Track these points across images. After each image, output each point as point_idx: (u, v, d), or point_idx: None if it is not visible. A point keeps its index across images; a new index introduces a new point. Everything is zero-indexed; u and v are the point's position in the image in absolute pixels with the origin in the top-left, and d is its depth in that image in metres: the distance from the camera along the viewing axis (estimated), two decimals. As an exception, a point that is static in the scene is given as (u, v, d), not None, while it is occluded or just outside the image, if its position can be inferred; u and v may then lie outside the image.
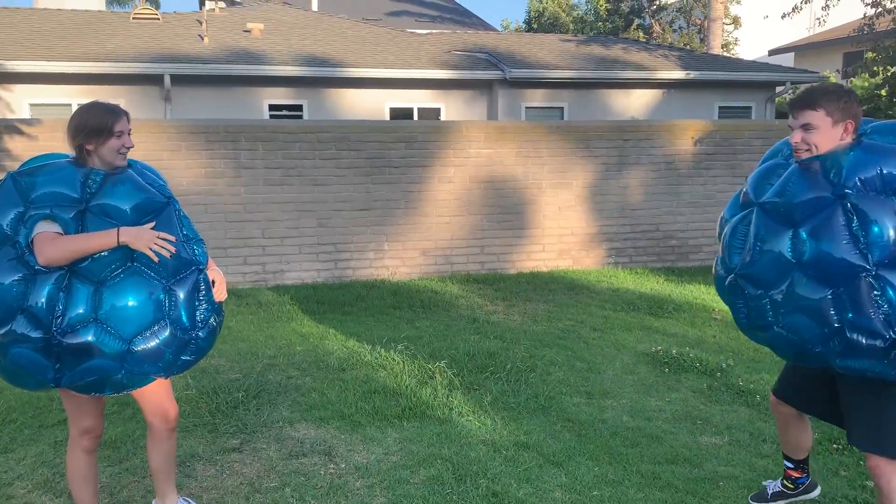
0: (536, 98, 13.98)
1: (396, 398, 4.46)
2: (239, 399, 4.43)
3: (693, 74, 14.18)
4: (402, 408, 4.31)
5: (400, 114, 13.56)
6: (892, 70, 10.33)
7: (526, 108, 13.81)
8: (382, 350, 5.37)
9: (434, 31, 19.41)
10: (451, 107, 13.84)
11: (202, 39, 13.79)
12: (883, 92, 11.12)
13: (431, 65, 13.62)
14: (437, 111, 13.77)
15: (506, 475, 3.51)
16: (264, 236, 8.22)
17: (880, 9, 10.13)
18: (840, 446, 3.79)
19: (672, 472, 3.52)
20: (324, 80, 13.04)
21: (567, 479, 3.48)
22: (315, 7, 23.73)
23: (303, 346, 5.63)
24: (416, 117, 13.57)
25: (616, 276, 8.56)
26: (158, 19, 15.23)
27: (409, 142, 8.63)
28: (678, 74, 14.20)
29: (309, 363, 5.19)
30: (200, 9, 18.94)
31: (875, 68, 10.27)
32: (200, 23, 14.76)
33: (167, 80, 12.16)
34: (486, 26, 24.85)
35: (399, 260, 8.62)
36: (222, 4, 17.70)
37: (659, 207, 9.42)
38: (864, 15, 10.54)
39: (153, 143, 7.87)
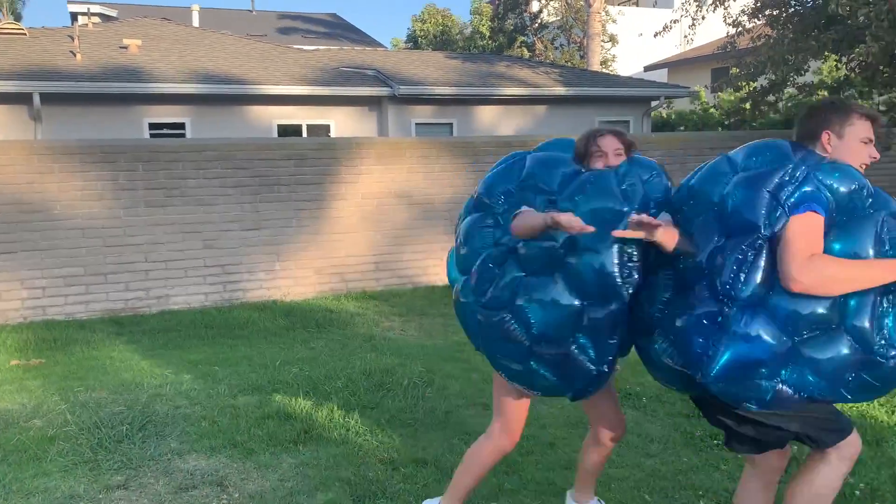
0: (425, 114, 14.11)
1: (291, 422, 4.36)
2: (123, 433, 4.21)
3: (574, 90, 14.71)
4: (297, 431, 4.22)
5: (289, 131, 13.36)
6: (754, 85, 11.06)
7: (416, 123, 13.92)
8: (276, 373, 5.25)
9: (322, 47, 19.28)
10: (340, 123, 13.77)
11: (75, 56, 13.12)
12: (747, 105, 11.88)
13: (320, 81, 13.51)
14: (326, 128, 13.67)
15: (405, 493, 3.49)
16: (147, 260, 7.88)
17: (741, 28, 10.84)
18: (720, 441, 3.99)
19: (566, 478, 3.60)
20: (208, 98, 12.68)
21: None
22: (196, 23, 23.08)
23: (191, 374, 5.42)
24: (305, 134, 13.41)
25: (509, 288, 8.72)
26: (25, 34, 14.38)
27: (299, 159, 8.52)
28: (560, 90, 14.70)
29: (198, 391, 5.00)
30: (72, 24, 18.03)
31: (739, 83, 10.97)
32: (73, 38, 14.04)
33: (36, 98, 11.49)
34: (374, 43, 24.92)
35: (292, 280, 8.46)
36: (96, 19, 16.93)
37: (547, 219, 9.68)
38: (727, 34, 11.26)
39: (22, 166, 7.41)
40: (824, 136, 2.47)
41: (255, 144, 8.47)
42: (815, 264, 2.14)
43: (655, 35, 11.79)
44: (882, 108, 12.39)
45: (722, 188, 2.36)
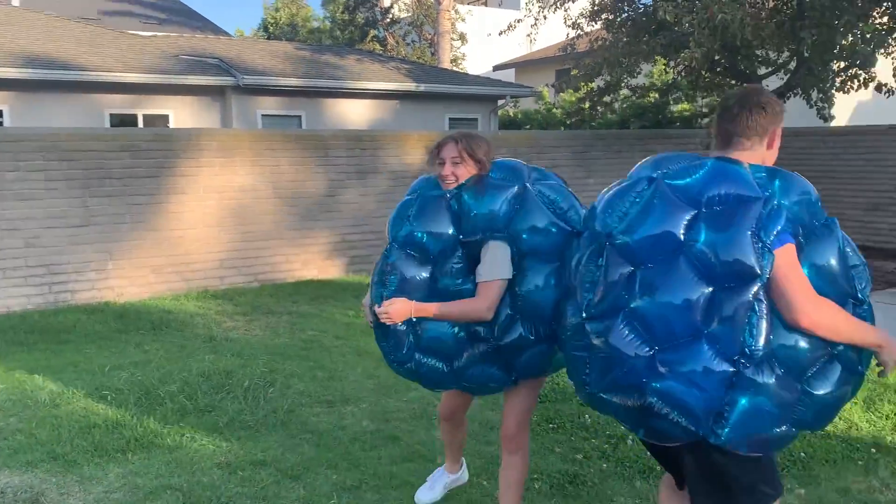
0: (272, 106, 13.73)
1: (120, 430, 4.09)
2: (-80, 453, 3.78)
3: (424, 87, 14.85)
4: (126, 440, 3.96)
5: (124, 121, 12.57)
6: (592, 86, 11.62)
7: (262, 115, 13.51)
8: (105, 379, 4.91)
9: (160, 33, 18.28)
10: (180, 114, 13.12)
11: None
12: (586, 105, 12.47)
13: (157, 69, 12.80)
14: (165, 118, 12.97)
15: (241, 496, 3.37)
16: (-43, 261, 7.14)
17: (580, 31, 11.35)
18: (555, 425, 4.16)
19: (408, 470, 3.62)
20: (29, 84, 11.67)
21: (305, 491, 3.43)
22: (16, 2, 21.18)
23: (7, 384, 4.96)
24: (141, 125, 12.66)
25: (360, 283, 8.67)
26: None
27: (134, 151, 8.02)
28: (411, 86, 14.78)
29: (14, 402, 4.59)
30: None
31: (579, 84, 11.48)
32: None
33: None
34: (217, 31, 23.94)
35: (126, 280, 7.96)
36: None
37: (397, 214, 9.70)
38: (567, 35, 11.76)
39: None
40: (774, 136, 2.24)
41: (82, 135, 7.88)
42: (828, 304, 2.02)
43: (500, 34, 12.12)
44: (705, 109, 13.44)
45: (681, 227, 2.04)
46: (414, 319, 2.67)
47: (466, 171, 2.72)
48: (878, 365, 2.12)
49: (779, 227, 2.00)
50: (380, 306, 2.67)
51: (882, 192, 11.30)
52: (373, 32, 24.45)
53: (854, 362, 2.11)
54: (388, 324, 2.68)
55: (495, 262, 2.59)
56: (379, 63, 16.57)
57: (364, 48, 22.68)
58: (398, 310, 2.63)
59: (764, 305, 1.98)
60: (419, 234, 2.70)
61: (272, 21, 26.35)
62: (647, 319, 2.02)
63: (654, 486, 3.42)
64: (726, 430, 2.00)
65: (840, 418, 4.14)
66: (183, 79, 12.72)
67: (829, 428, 4.01)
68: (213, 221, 8.48)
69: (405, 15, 25.48)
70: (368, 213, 9.47)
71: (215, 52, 14.88)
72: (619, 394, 2.10)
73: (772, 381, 1.99)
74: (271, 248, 8.86)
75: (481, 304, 2.59)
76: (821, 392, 2.06)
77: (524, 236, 2.61)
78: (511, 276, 2.61)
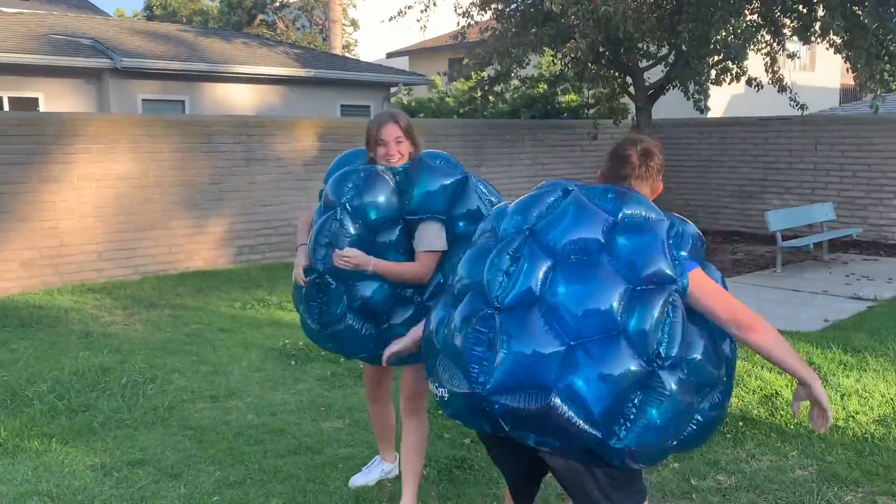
0: (154, 90, 13.13)
1: (-19, 435, 3.81)
2: None
3: (314, 73, 14.58)
4: (-12, 445, 3.70)
5: (-13, 104, 11.71)
6: (483, 74, 11.74)
7: (143, 99, 12.90)
8: (-36, 381, 4.56)
9: (27, 10, 17.09)
10: (51, 97, 12.33)
11: None
12: (477, 94, 12.58)
13: (24, 49, 11.97)
14: (34, 101, 12.17)
15: (116, 499, 3.21)
16: None
17: (470, 20, 11.43)
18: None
19: (294, 463, 3.55)
20: None
21: (186, 489, 3.30)
22: None
23: None
24: (6, 107, 11.82)
25: (248, 274, 8.44)
26: None
27: (-4, 136, 7.48)
28: (300, 72, 14.49)
29: None
30: None
31: (470, 73, 11.56)
32: None
33: None
34: (93, 10, 22.63)
35: (-9, 273, 7.43)
36: None
37: (289, 203, 9.51)
38: (458, 25, 11.81)
39: None
40: (659, 186, 2.40)
41: (-63, 117, 7.28)
42: (763, 320, 2.10)
43: (390, 19, 12.02)
44: (591, 100, 13.84)
45: (601, 229, 2.07)
46: (349, 281, 2.82)
47: (407, 151, 2.91)
48: (795, 399, 2.20)
49: (685, 252, 2.08)
50: (335, 252, 2.77)
51: (753, 180, 12.01)
52: (261, 16, 23.77)
53: (729, 391, 2.22)
54: (326, 281, 2.82)
55: (435, 235, 2.81)
56: (268, 47, 16.14)
57: (252, 32, 22.03)
58: (359, 256, 2.74)
59: (679, 313, 2.00)
60: (366, 204, 2.81)
61: (158, 3, 25.16)
62: (564, 314, 1.97)
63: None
64: (630, 434, 1.96)
65: (711, 394, 4.38)
66: (53, 59, 11.95)
67: (701, 403, 4.24)
68: (90, 211, 8.04)
69: (295, -1, 24.94)
70: (257, 201, 9.23)
71: (90, 32, 14.07)
72: (521, 394, 1.95)
73: (679, 390, 1.99)
74: (153, 239, 8.49)
75: (423, 269, 2.82)
76: (708, 411, 2.12)
77: (460, 223, 2.82)
78: (445, 249, 2.83)
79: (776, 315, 6.48)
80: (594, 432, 1.95)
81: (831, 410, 2.17)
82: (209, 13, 23.83)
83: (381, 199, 2.81)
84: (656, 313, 1.98)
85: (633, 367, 1.95)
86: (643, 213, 2.10)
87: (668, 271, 2.02)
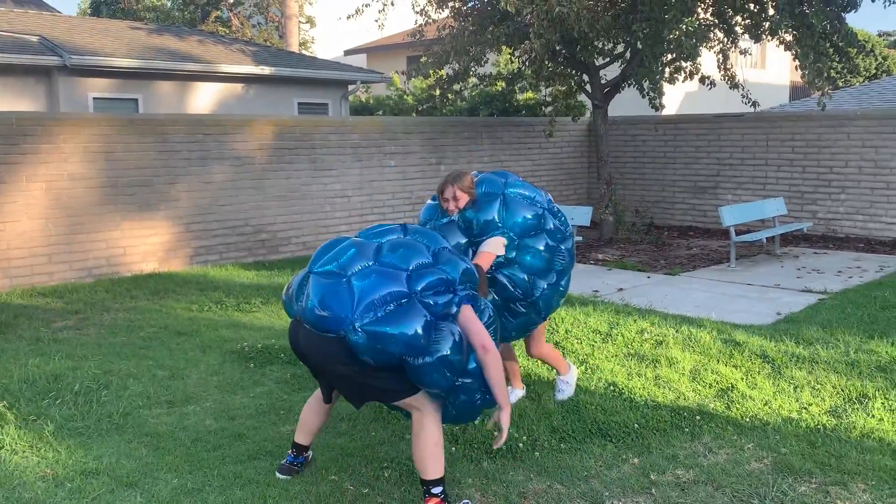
0: (105, 88, 12.83)
1: (-74, 447, 3.68)
2: None
3: (271, 70, 14.41)
4: (-67, 458, 3.57)
5: (-70, 103, 11.31)
6: (441, 73, 11.73)
7: (94, 98, 12.60)
8: None
9: (-28, 6, 16.57)
10: (-1, 96, 11.98)
11: None
12: (436, 92, 12.57)
13: (-31, 46, 11.60)
14: (-21, 101, 11.81)
15: (69, 511, 3.13)
16: None
17: (428, 18, 11.41)
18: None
19: (254, 468, 3.50)
20: None
21: (142, 498, 3.23)
22: None
23: None
24: (-48, 107, 11.45)
25: (205, 275, 8.31)
26: None
27: (-61, 137, 7.23)
28: (257, 70, 14.30)
29: None
30: None
31: (428, 71, 11.55)
32: None
33: None
34: (40, 6, 22.03)
35: (-64, 279, 7.19)
36: None
37: (246, 202, 9.39)
38: (416, 23, 11.78)
39: None
40: None
41: None
42: (496, 351, 3.06)
43: (348, 17, 11.94)
44: (548, 98, 13.93)
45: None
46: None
47: (463, 200, 3.80)
48: (490, 419, 3.09)
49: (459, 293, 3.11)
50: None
51: (708, 176, 12.23)
52: (216, 13, 23.39)
53: (476, 392, 3.09)
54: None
55: (494, 244, 3.72)
56: (223, 45, 15.90)
57: (207, 29, 21.68)
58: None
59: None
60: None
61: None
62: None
63: (500, 466, 3.52)
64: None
65: (669, 389, 4.45)
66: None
67: (659, 398, 4.30)
68: (40, 213, 7.83)
69: (250, -4, 24.59)
70: (213, 201, 9.09)
71: (38, 29, 13.69)
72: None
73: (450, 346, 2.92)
74: (107, 241, 8.30)
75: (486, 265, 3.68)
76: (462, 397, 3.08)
77: (516, 227, 3.78)
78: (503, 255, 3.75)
79: (731, 309, 6.62)
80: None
81: (505, 434, 3.06)
82: (162, 9, 23.36)
83: (451, 239, 3.81)
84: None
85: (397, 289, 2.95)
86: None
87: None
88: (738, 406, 4.17)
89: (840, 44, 10.02)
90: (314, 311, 2.93)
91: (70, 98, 12.34)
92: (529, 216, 3.79)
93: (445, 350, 2.90)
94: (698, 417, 4.01)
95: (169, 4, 23.26)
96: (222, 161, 9.16)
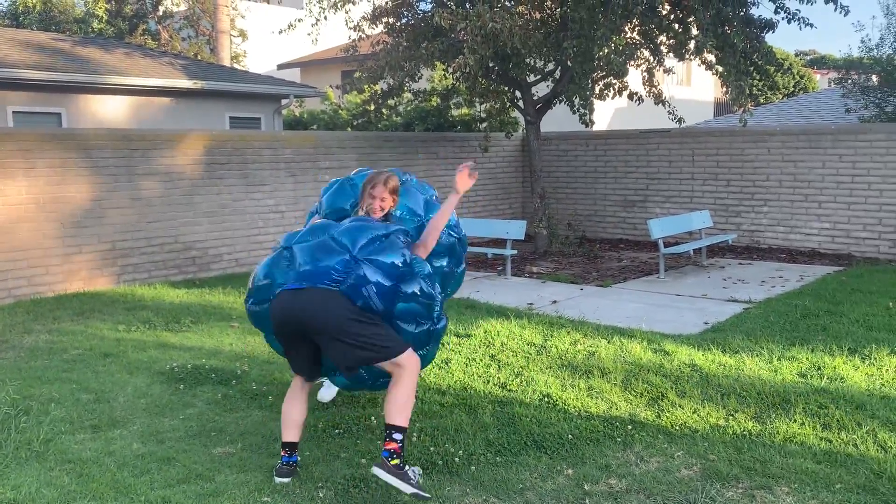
0: (25, 101, 12.37)
1: None
2: None
3: (202, 84, 14.15)
4: None
5: None
6: (375, 88, 11.73)
7: (14, 112, 12.12)
8: None
9: None
10: None
11: None
12: (371, 107, 12.56)
13: None
14: None
15: (-16, 545, 2.98)
16: None
17: (362, 33, 11.41)
18: (340, 430, 4.13)
19: (183, 493, 3.40)
20: None
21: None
22: None
23: None
24: None
25: (132, 294, 8.07)
26: None
27: None
28: (186, 83, 14.02)
29: None
30: None
31: (363, 86, 11.53)
32: None
33: None
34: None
35: None
36: None
37: (176, 219, 9.17)
38: (350, 38, 11.76)
39: None
40: None
41: None
42: None
43: (280, 32, 11.84)
44: (483, 114, 14.10)
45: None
46: None
47: (388, 203, 3.88)
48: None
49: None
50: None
51: (636, 189, 12.56)
52: (143, 26, 22.84)
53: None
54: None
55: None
56: (151, 58, 15.53)
57: (134, 42, 21.16)
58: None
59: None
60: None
61: (23, 8, 23.68)
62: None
63: (437, 482, 3.51)
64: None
65: (601, 399, 4.52)
66: None
67: (592, 409, 4.37)
68: (-47, 232, 7.47)
69: (180, 8, 24.12)
70: (141, 217, 8.85)
71: (-49, 38, 13.12)
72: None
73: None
74: (27, 260, 7.98)
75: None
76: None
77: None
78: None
79: (660, 319, 6.78)
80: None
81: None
82: (88, 22, 22.65)
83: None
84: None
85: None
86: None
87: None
88: (668, 414, 4.27)
89: (759, 62, 10.46)
90: (317, 263, 3.40)
91: (-13, 111, 11.85)
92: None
93: (426, 269, 3.59)
94: (630, 427, 4.09)
95: (95, 21, 22.58)
96: (150, 176, 8.93)
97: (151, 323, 6.65)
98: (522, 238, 9.65)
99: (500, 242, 11.40)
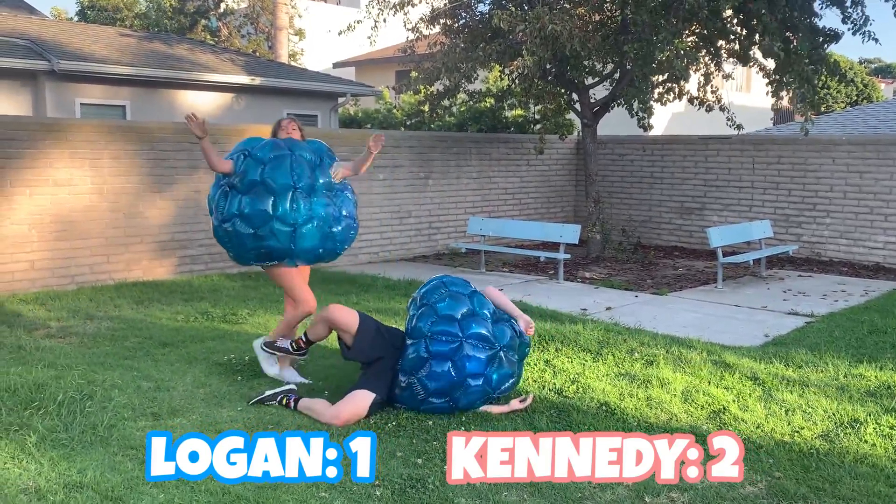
0: (94, 94, 12.73)
1: None
2: None
3: (261, 80, 14.37)
4: (-90, 468, 3.47)
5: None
6: (431, 89, 11.74)
7: (81, 104, 12.49)
8: None
9: (-42, 8, 16.41)
10: (-16, 99, 11.84)
11: None
12: (426, 107, 12.58)
13: (-45, 48, 11.47)
14: (-37, 103, 11.66)
15: (52, 525, 3.05)
16: None
17: (419, 34, 11.43)
18: (396, 428, 4.13)
19: (243, 485, 3.42)
20: None
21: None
22: None
23: None
24: (-65, 109, 11.30)
25: (190, 285, 8.22)
26: None
27: (-78, 139, 7.12)
28: (247, 79, 14.26)
29: None
30: None
31: (419, 87, 11.54)
32: None
33: None
34: (27, 9, 21.87)
35: (-86, 283, 7.05)
36: None
37: (232, 212, 9.29)
38: (407, 38, 11.80)
39: None
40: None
41: None
42: None
43: (339, 34, 11.93)
44: (537, 116, 14.00)
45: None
46: None
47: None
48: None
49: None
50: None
51: (694, 197, 12.32)
52: (204, 22, 23.32)
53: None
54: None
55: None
56: (213, 54, 15.84)
57: (195, 38, 21.61)
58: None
59: None
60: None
61: (88, 4, 24.38)
62: None
63: (494, 487, 3.47)
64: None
65: (661, 410, 4.43)
66: (-17, 60, 11.48)
67: (651, 419, 4.28)
68: (23, 219, 7.71)
69: (241, 6, 24.56)
70: (200, 210, 9.00)
71: (27, 32, 13.57)
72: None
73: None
74: (90, 248, 8.19)
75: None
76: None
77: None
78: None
79: (719, 330, 6.63)
80: None
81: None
82: (150, 17, 23.24)
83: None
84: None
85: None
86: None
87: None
88: (730, 428, 4.15)
89: (823, 71, 10.17)
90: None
91: (57, 103, 12.22)
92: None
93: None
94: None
95: (155, 14, 23.15)
96: (210, 170, 9.06)
97: (209, 314, 6.76)
98: (576, 242, 9.55)
99: (549, 246, 11.31)
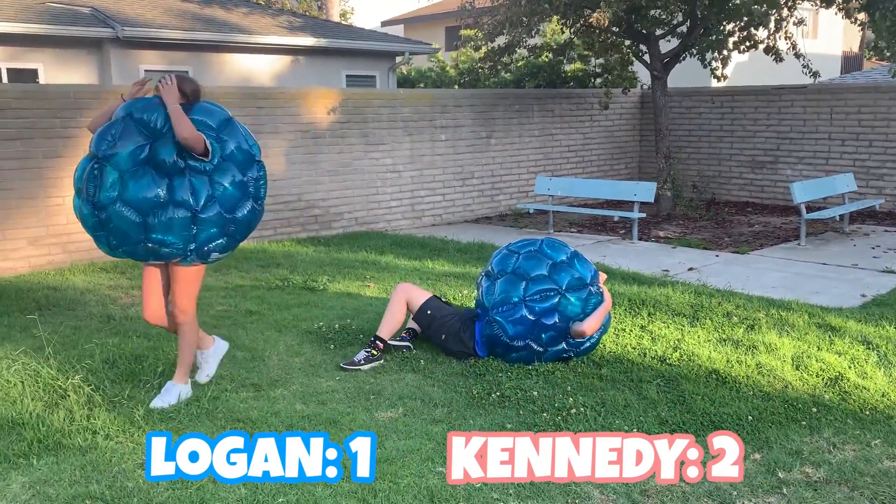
0: (156, 60, 12.74)
1: (18, 431, 3.61)
2: None
3: (320, 41, 14.21)
4: (27, 442, 3.50)
5: (-18, 76, 11.31)
6: (492, 45, 11.42)
7: (145, 70, 12.52)
8: (-9, 371, 4.34)
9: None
10: (51, 68, 11.94)
11: None
12: (486, 64, 12.25)
13: (21, 18, 11.55)
14: (33, 73, 11.77)
15: (174, 500, 3.03)
16: None
17: (479, -13, 11.10)
18: (501, 398, 4.02)
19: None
20: None
21: (246, 489, 3.12)
22: None
23: None
24: (5, 79, 11.44)
25: (264, 251, 8.22)
26: None
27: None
28: (306, 41, 14.10)
29: None
30: None
31: (479, 42, 11.24)
32: None
33: None
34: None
35: None
36: None
37: (300, 177, 9.25)
38: (466, -8, 11.45)
39: None
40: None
41: (-62, 91, 6.95)
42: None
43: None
44: (598, 69, 13.57)
45: None
46: None
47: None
48: None
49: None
50: None
51: (766, 150, 11.84)
52: (255, -17, 23.13)
53: None
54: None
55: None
56: (270, 16, 15.70)
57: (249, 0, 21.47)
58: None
59: None
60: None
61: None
62: None
63: (612, 459, 3.34)
64: None
65: (774, 378, 4.24)
66: (53, 29, 11.53)
67: (766, 388, 4.09)
68: (98, 188, 7.75)
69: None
70: (269, 175, 8.93)
71: (89, 0, 13.60)
72: None
73: None
74: (164, 216, 8.21)
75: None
76: None
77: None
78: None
79: (811, 290, 6.36)
80: None
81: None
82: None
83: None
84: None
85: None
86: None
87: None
88: (853, 398, 3.95)
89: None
90: None
91: (122, 70, 12.27)
92: None
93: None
94: (814, 409, 3.80)
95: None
96: (276, 135, 9.02)
97: (289, 280, 6.73)
98: (651, 200, 9.26)
99: (614, 205, 11.02)
